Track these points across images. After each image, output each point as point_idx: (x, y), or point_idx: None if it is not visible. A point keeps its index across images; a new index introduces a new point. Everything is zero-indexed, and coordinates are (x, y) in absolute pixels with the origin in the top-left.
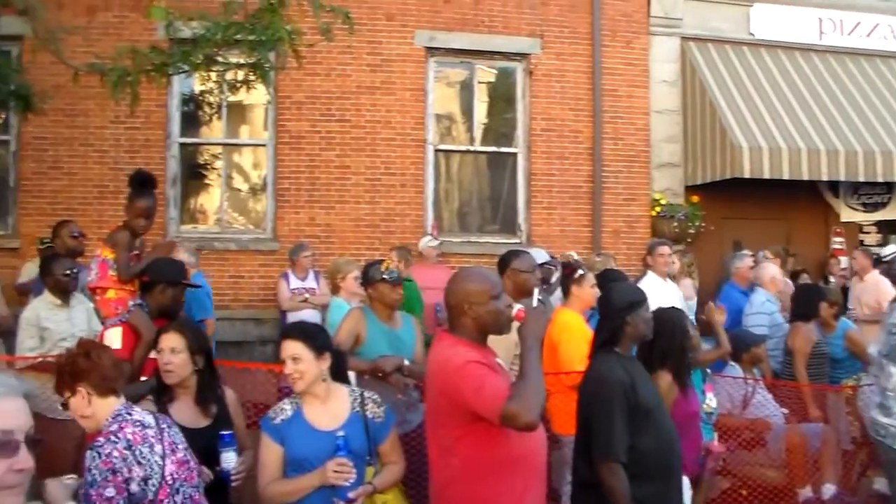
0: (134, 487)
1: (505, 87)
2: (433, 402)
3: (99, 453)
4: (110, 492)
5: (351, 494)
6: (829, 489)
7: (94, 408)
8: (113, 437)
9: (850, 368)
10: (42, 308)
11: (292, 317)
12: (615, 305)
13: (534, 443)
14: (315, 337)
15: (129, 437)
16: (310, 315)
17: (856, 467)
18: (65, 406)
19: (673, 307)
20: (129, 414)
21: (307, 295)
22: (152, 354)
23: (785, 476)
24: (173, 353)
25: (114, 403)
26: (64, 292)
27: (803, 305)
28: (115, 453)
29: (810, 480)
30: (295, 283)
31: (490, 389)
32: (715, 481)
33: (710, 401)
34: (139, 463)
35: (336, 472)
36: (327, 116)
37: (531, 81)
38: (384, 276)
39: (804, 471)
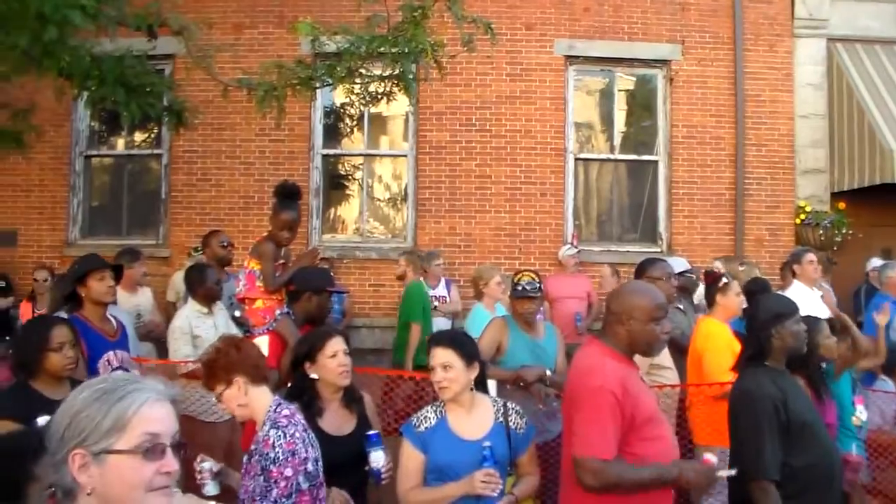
0: (310, 467)
1: (645, 94)
2: (567, 409)
3: (284, 433)
4: (289, 472)
5: None
6: None
7: (249, 397)
8: (292, 420)
9: None
10: (192, 316)
11: None
12: (762, 318)
13: (673, 454)
14: (466, 345)
15: (302, 420)
16: (441, 323)
17: None
18: (219, 399)
19: (808, 315)
20: (288, 404)
21: (437, 303)
22: None
23: None
24: (346, 354)
25: (268, 393)
26: (213, 301)
27: None
28: (297, 434)
29: None
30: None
31: (598, 433)
32: (863, 498)
33: (861, 413)
34: (312, 445)
35: (484, 482)
36: (467, 126)
37: (672, 88)
38: (516, 289)
39: None
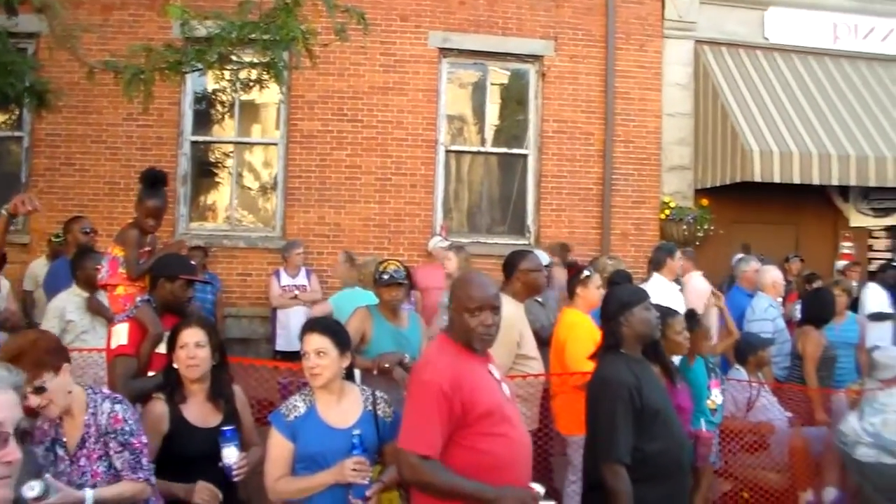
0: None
1: (517, 88)
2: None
3: (124, 405)
4: (145, 438)
5: (368, 493)
6: (830, 493)
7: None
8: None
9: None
10: (69, 301)
11: (282, 314)
12: (611, 307)
13: (517, 451)
14: (340, 333)
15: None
16: (301, 312)
17: None
18: (39, 390)
19: (660, 305)
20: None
21: (297, 292)
22: (161, 349)
23: (787, 479)
24: (198, 346)
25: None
26: (93, 287)
27: (815, 310)
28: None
29: (812, 484)
30: (286, 279)
31: (420, 428)
32: (713, 480)
33: (716, 397)
34: None
35: (355, 470)
36: (339, 116)
37: (544, 83)
38: (381, 277)
39: (806, 474)
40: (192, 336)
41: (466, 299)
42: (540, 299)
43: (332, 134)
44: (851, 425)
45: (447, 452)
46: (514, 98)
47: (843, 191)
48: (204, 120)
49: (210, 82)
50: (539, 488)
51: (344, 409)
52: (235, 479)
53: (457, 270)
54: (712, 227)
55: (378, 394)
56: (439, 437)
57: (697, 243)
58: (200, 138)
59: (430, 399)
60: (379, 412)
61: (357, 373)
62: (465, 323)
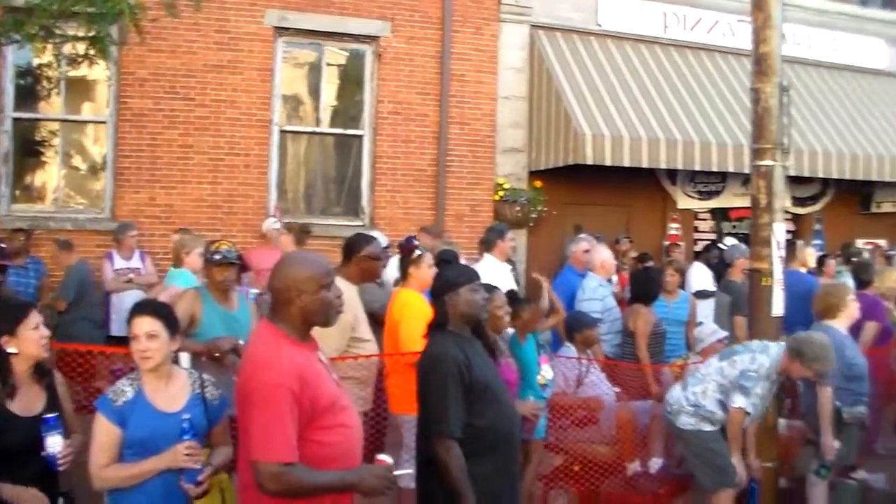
0: None
1: (353, 69)
2: (242, 404)
3: None
4: None
5: (200, 477)
6: (655, 463)
7: None
8: None
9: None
10: None
11: (116, 298)
12: (439, 286)
13: (354, 438)
14: (170, 316)
15: None
16: (135, 296)
17: None
18: None
19: (486, 284)
20: None
21: (132, 275)
22: None
23: (615, 451)
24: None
25: None
26: None
27: (643, 288)
28: None
29: (639, 455)
30: (119, 263)
31: (277, 435)
32: (543, 454)
33: (546, 372)
34: None
35: (187, 454)
36: (171, 94)
37: (380, 64)
38: (213, 257)
39: (633, 446)
40: (39, 317)
41: (320, 276)
42: (379, 279)
43: (164, 112)
44: (675, 396)
45: None
46: (350, 79)
47: (671, 174)
48: (28, 96)
49: (34, 57)
50: (388, 459)
51: (172, 393)
52: (60, 469)
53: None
54: (545, 209)
55: (205, 376)
56: (295, 440)
57: (531, 224)
58: (24, 115)
59: (281, 403)
60: (207, 395)
61: (185, 356)
62: (322, 300)
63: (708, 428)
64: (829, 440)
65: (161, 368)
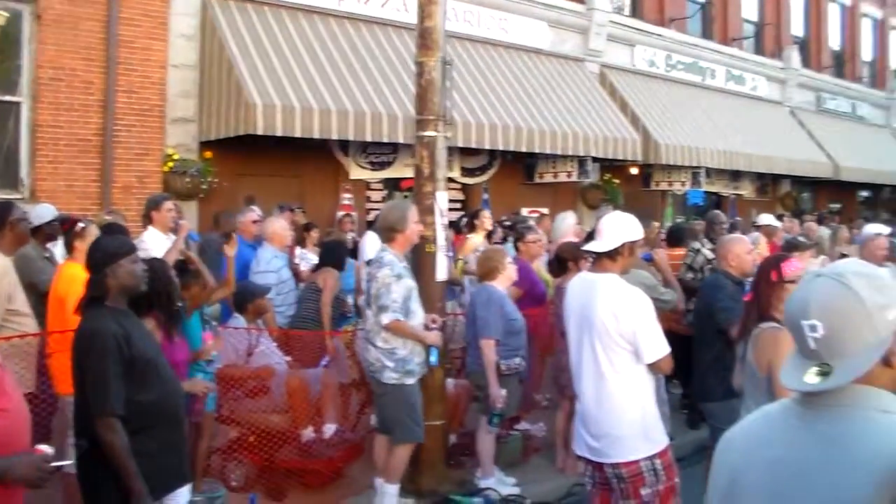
0: None
1: (10, 30)
2: None
3: None
4: None
5: None
6: (329, 428)
7: None
8: None
9: None
10: None
11: None
12: (96, 258)
13: (16, 423)
14: None
15: None
16: None
17: (354, 406)
18: None
19: (156, 258)
20: None
21: None
22: None
23: (289, 419)
24: None
25: None
26: None
27: (333, 255)
28: None
29: (312, 421)
30: None
31: None
32: (214, 427)
33: (211, 348)
34: None
35: None
36: None
37: (39, 26)
38: None
39: (306, 413)
40: None
41: None
42: (47, 255)
43: None
44: (374, 354)
45: None
46: (6, 40)
47: (344, 145)
48: None
49: None
50: (48, 449)
51: None
52: None
53: None
54: (216, 180)
55: None
56: None
57: (202, 196)
58: None
59: None
60: None
61: None
62: None
63: (410, 381)
64: (496, 390)
65: None
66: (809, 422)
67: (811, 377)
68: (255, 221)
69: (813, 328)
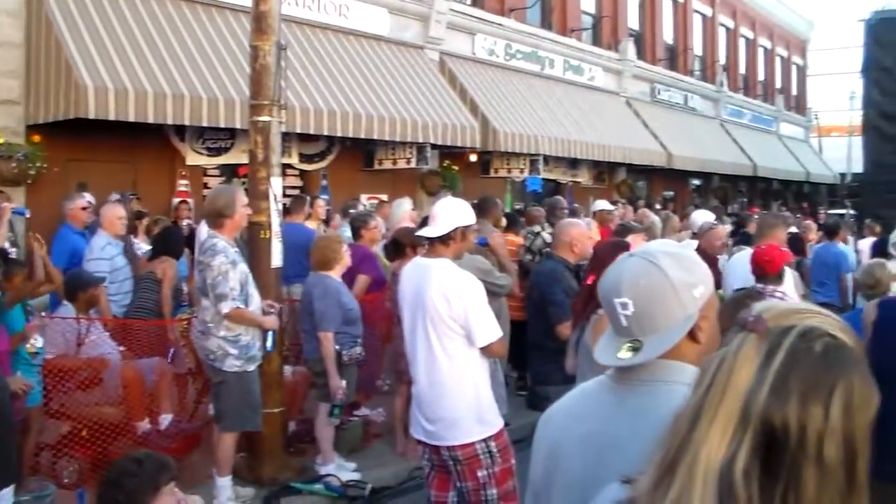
0: None
1: None
2: None
3: None
4: None
5: None
6: (165, 419)
7: None
8: None
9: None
10: None
11: None
12: None
13: None
14: None
15: None
16: None
17: (191, 396)
18: None
19: None
20: None
21: None
22: None
23: (123, 411)
24: None
25: None
26: None
27: (171, 243)
28: None
29: (148, 413)
30: None
31: None
32: (43, 423)
33: (36, 341)
34: None
35: None
36: None
37: None
38: None
39: (141, 404)
40: None
41: None
42: None
43: None
44: (215, 343)
45: None
46: None
47: (180, 130)
48: None
49: None
50: None
51: None
52: None
53: None
54: (45, 165)
55: None
56: None
57: (30, 182)
58: None
59: None
60: None
61: None
62: None
63: (251, 367)
64: (335, 382)
65: None
66: (621, 396)
67: (623, 353)
68: (84, 208)
69: (624, 305)
